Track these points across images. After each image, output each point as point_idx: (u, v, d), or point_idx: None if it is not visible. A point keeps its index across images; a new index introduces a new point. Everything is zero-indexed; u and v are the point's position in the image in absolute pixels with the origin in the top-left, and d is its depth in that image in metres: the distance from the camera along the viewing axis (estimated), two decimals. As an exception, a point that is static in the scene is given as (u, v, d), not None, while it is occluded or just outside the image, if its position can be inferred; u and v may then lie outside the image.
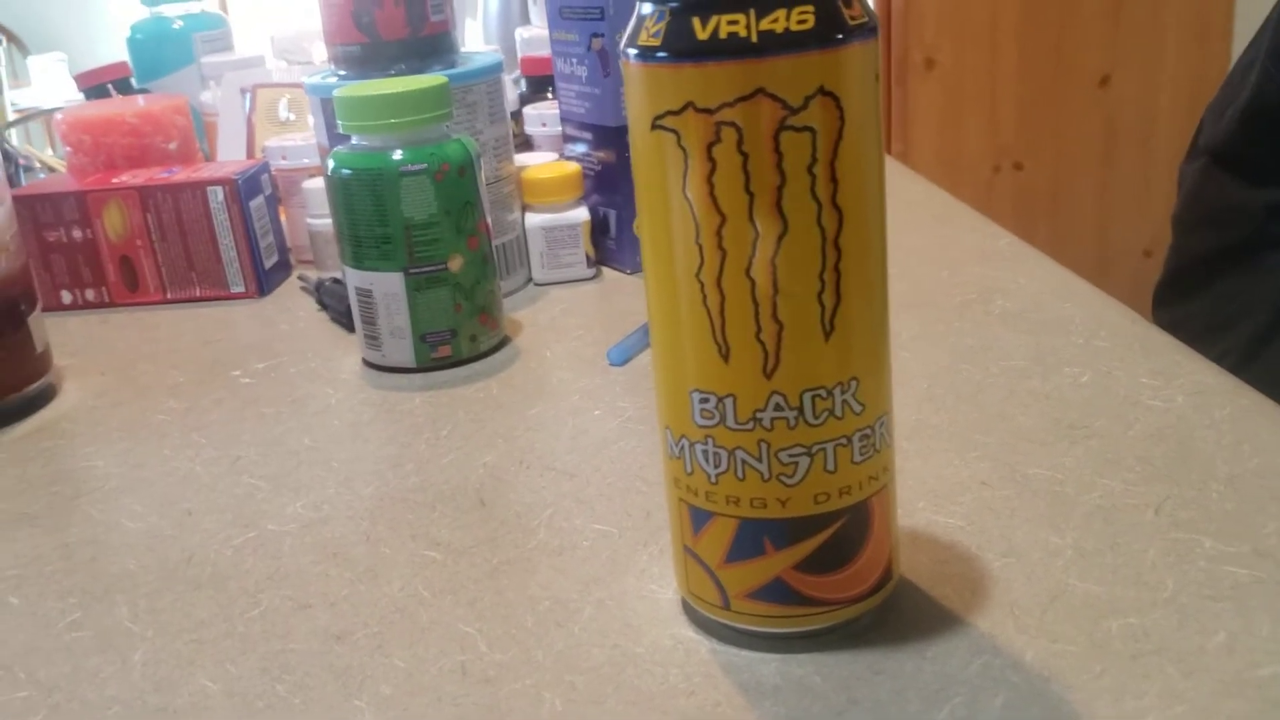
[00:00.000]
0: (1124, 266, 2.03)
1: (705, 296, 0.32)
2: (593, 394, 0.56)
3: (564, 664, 0.36)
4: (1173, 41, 2.05)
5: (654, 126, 0.31)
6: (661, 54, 0.30)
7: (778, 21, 0.29)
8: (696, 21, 0.29)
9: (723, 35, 0.29)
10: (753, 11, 0.29)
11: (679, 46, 0.30)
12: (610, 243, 0.74)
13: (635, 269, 0.74)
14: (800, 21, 0.29)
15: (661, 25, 0.30)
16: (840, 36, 0.30)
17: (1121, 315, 0.58)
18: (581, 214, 0.72)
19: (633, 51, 0.31)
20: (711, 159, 0.30)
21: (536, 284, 0.73)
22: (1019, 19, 2.04)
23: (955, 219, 0.78)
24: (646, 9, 0.31)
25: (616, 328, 0.64)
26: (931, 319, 0.60)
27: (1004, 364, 0.54)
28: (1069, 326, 0.57)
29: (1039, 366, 0.53)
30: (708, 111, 0.30)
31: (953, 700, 0.32)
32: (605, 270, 0.75)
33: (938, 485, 0.44)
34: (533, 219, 0.72)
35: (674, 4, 0.30)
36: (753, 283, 0.31)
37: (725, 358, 0.32)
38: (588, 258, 0.73)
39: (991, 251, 0.70)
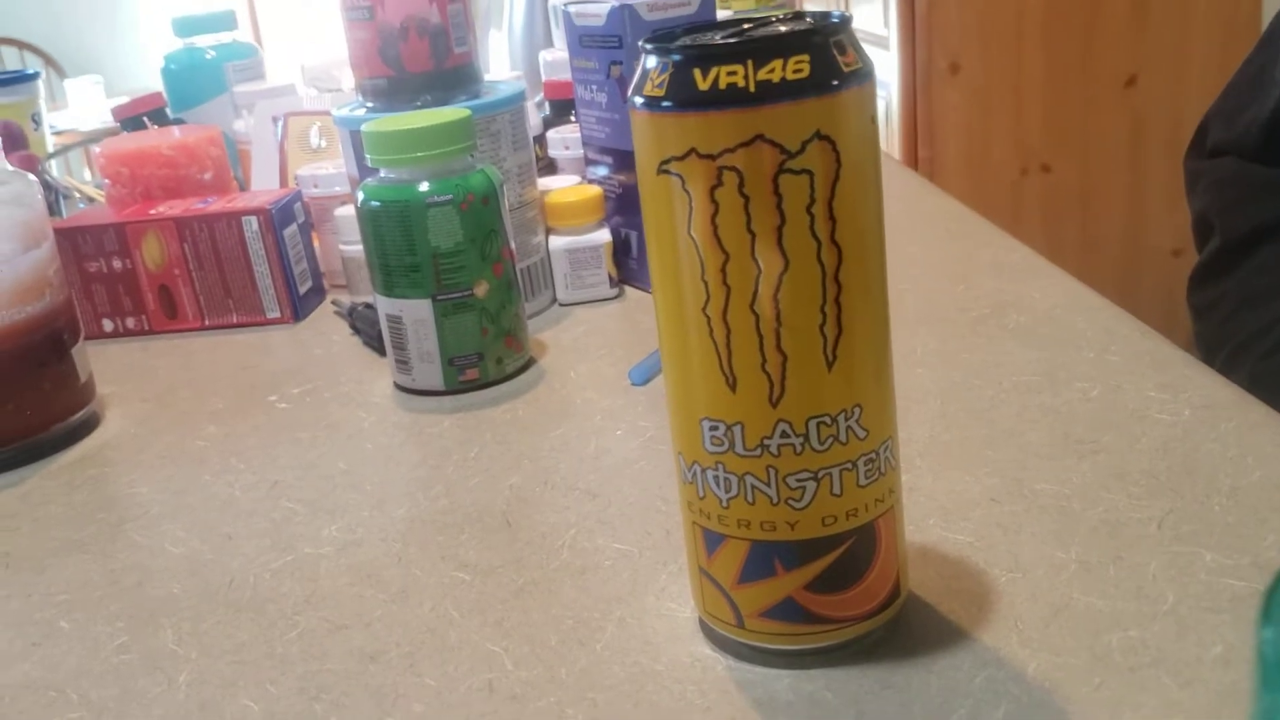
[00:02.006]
0: (1153, 267, 2.03)
1: (712, 330, 0.33)
2: (615, 414, 0.58)
3: (586, 681, 0.37)
4: (1200, 41, 2.04)
5: (660, 170, 0.33)
6: (666, 103, 0.32)
7: (774, 71, 0.31)
8: (698, 73, 0.31)
9: (722, 86, 0.31)
10: (750, 62, 0.31)
11: (682, 96, 0.31)
12: (632, 262, 0.76)
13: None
14: (796, 71, 0.31)
15: (665, 76, 0.32)
16: (835, 83, 0.31)
17: (1132, 328, 0.59)
18: (604, 235, 0.74)
19: (639, 100, 0.33)
20: (714, 201, 0.32)
21: (561, 304, 0.75)
22: (1044, 21, 2.04)
23: (972, 232, 0.80)
24: (651, 62, 0.32)
25: (638, 347, 0.66)
26: (946, 334, 0.62)
27: (1015, 379, 0.55)
28: (1081, 340, 0.59)
29: (1050, 382, 0.54)
30: (710, 157, 0.31)
31: (957, 712, 0.34)
32: (628, 289, 0.76)
33: (948, 501, 0.45)
34: (556, 241, 0.74)
35: (676, 57, 0.32)
36: (757, 316, 0.33)
37: (732, 388, 0.34)
38: (610, 278, 0.75)
39: (1006, 265, 0.71)
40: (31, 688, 0.41)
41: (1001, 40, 2.05)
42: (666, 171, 0.32)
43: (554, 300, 0.76)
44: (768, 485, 0.34)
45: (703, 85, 0.31)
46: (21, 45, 3.84)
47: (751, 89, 0.31)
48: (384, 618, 0.42)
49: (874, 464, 0.35)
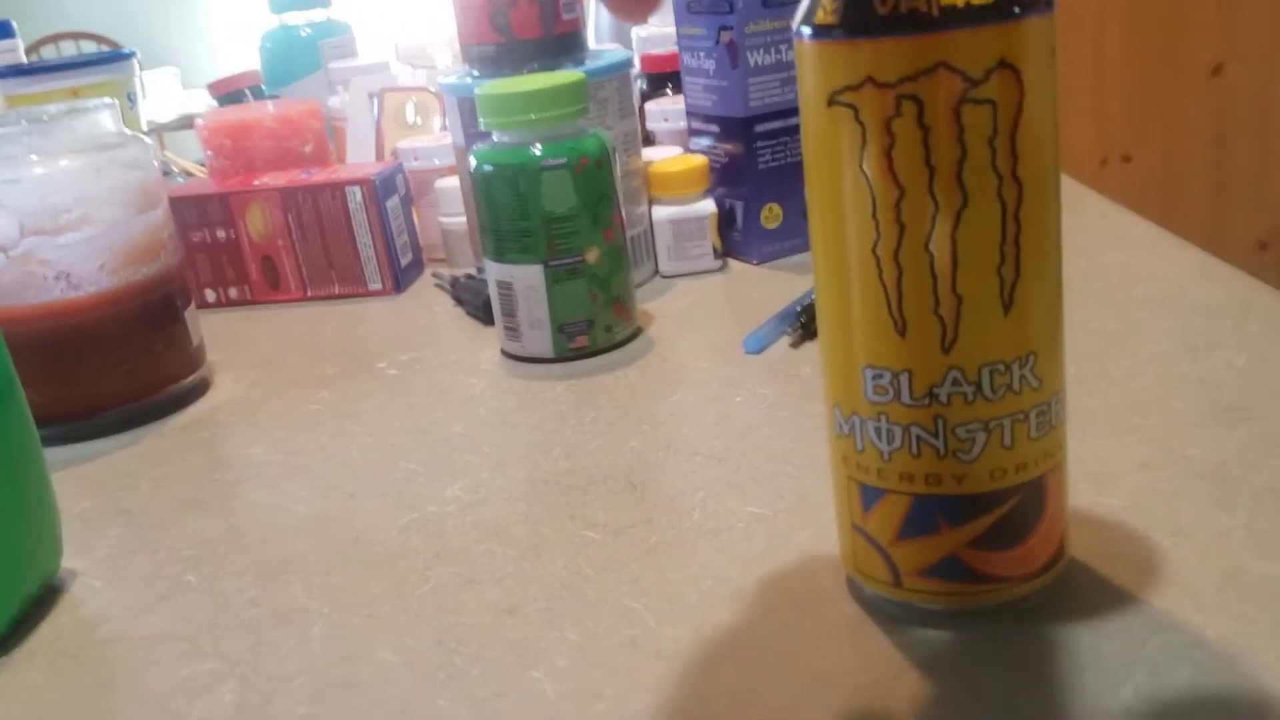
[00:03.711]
0: (1238, 261, 1.97)
1: (881, 271, 0.32)
2: (732, 381, 0.56)
3: (734, 640, 0.36)
4: (1292, 28, 1.98)
5: (831, 103, 0.31)
6: (839, 31, 0.30)
7: (959, -5, 0.29)
8: (877, -2, 0.30)
9: (904, 10, 0.29)
10: (934, -14, 0.29)
11: (859, 23, 0.30)
12: (736, 234, 0.75)
13: (762, 260, 0.74)
14: (981, -6, 0.29)
15: (839, 3, 0.30)
16: (1018, 10, 0.30)
17: (1272, 297, 0.57)
18: (708, 206, 0.73)
19: (807, 30, 0.31)
20: (890, 133, 0.30)
21: (663, 276, 0.74)
22: (1127, 6, 2.00)
23: (1085, 207, 0.77)
24: (824, -12, 0.31)
25: (747, 317, 0.64)
26: (1072, 305, 0.60)
27: (1152, 349, 0.53)
28: (1217, 310, 0.56)
29: (1188, 351, 0.52)
30: (887, 86, 0.30)
31: (1135, 676, 0.32)
32: (731, 262, 0.75)
33: (1097, 467, 0.43)
34: (660, 212, 0.73)
35: (854, -19, 0.30)
36: (931, 256, 0.31)
37: (901, 333, 0.32)
38: (714, 250, 0.73)
39: (1128, 238, 0.69)
40: (164, 639, 0.41)
41: (1083, 26, 2.01)
42: (838, 103, 0.31)
43: (656, 272, 0.75)
44: (935, 437, 0.33)
45: (882, 10, 0.30)
46: (97, 39, 3.92)
47: (935, 13, 0.29)
48: (516, 574, 0.41)
49: (1045, 416, 0.33)
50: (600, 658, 0.36)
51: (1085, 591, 0.36)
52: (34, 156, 0.57)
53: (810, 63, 0.32)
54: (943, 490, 0.33)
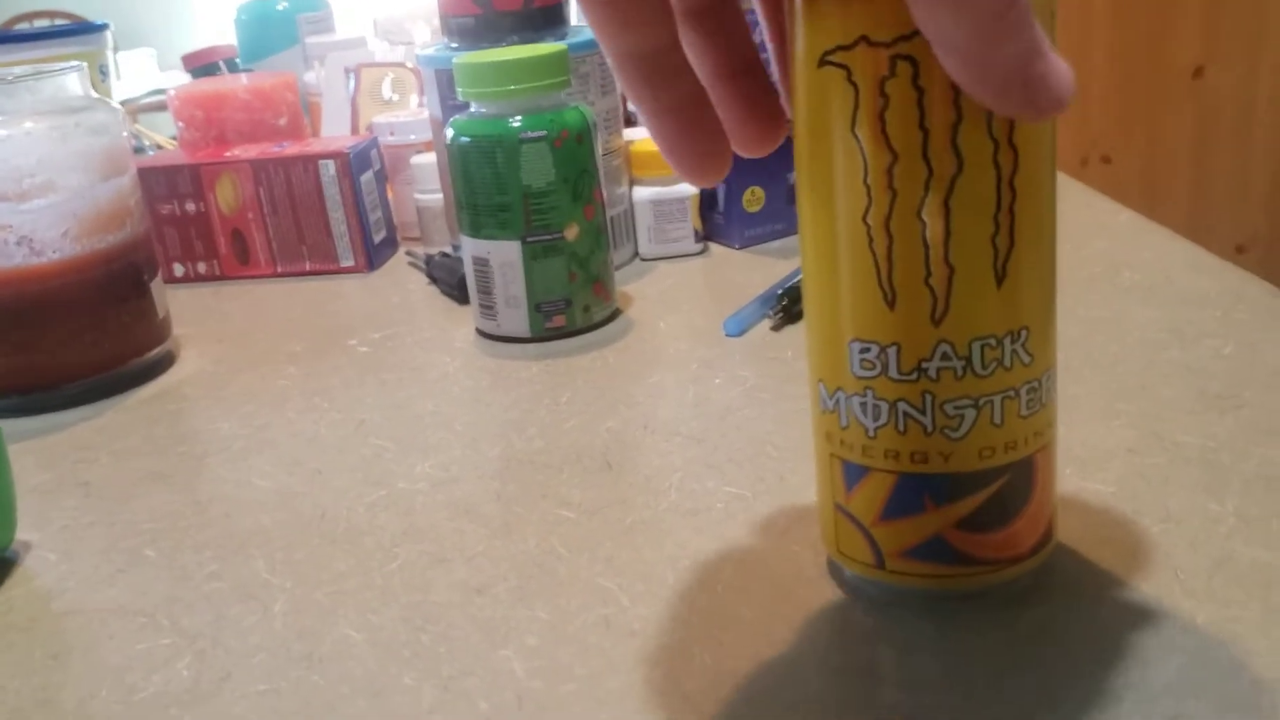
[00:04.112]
0: (1218, 262, 1.97)
1: (872, 240, 0.31)
2: (711, 363, 0.55)
3: (710, 620, 0.35)
4: (1275, 33, 1.99)
5: (822, 63, 0.30)
6: (832, -12, 0.29)
7: (959, -49, 0.28)
8: (873, -48, 0.29)
9: (900, -35, 0.28)
10: (933, -59, 0.28)
11: (853, -21, 0.29)
12: (718, 217, 0.73)
13: (743, 244, 0.73)
14: (982, -48, 0.28)
15: (832, -42, 0.29)
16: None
17: (1261, 289, 0.56)
18: (690, 188, 0.72)
19: (799, -12, 0.30)
20: (884, 94, 0.29)
21: (643, 259, 0.73)
22: (1110, 8, 2.00)
23: (1069, 195, 0.77)
24: (819, -58, 0.30)
25: (728, 301, 0.63)
26: (1058, 291, 0.59)
27: (1139, 335, 0.52)
28: (1204, 299, 0.56)
29: (1177, 338, 0.52)
30: (882, 45, 0.29)
31: (1124, 662, 0.31)
32: (712, 245, 0.74)
33: (1083, 452, 0.42)
34: (641, 192, 0.72)
35: (849, -65, 0.29)
36: (924, 224, 0.30)
37: (891, 304, 0.31)
38: (695, 232, 0.72)
39: (1113, 226, 0.68)
40: (120, 613, 0.39)
41: (1066, 27, 2.00)
42: (829, 63, 0.30)
43: (635, 254, 0.73)
44: (922, 413, 0.32)
45: (877, -35, 0.29)
46: (73, 19, 3.86)
47: (933, -31, 0.28)
48: (487, 552, 0.40)
49: (1036, 394, 0.32)
50: (571, 637, 0.35)
51: (1074, 576, 0.35)
52: (-4, 118, 0.55)
53: (801, 21, 0.30)
54: (929, 469, 0.32)
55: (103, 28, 1.08)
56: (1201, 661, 0.31)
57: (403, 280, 0.74)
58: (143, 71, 3.23)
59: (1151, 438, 0.43)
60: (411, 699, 0.33)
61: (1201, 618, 0.33)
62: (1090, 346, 0.52)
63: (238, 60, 1.02)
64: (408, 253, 0.77)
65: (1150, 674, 0.30)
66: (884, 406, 0.32)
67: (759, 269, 0.68)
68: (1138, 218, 0.70)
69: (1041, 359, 0.32)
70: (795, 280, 0.62)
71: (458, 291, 0.68)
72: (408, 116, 0.80)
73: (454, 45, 0.68)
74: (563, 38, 0.68)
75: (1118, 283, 0.59)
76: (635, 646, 0.34)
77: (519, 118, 0.57)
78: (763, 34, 0.33)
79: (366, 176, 0.75)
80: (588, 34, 0.69)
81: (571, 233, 0.59)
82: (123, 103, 1.85)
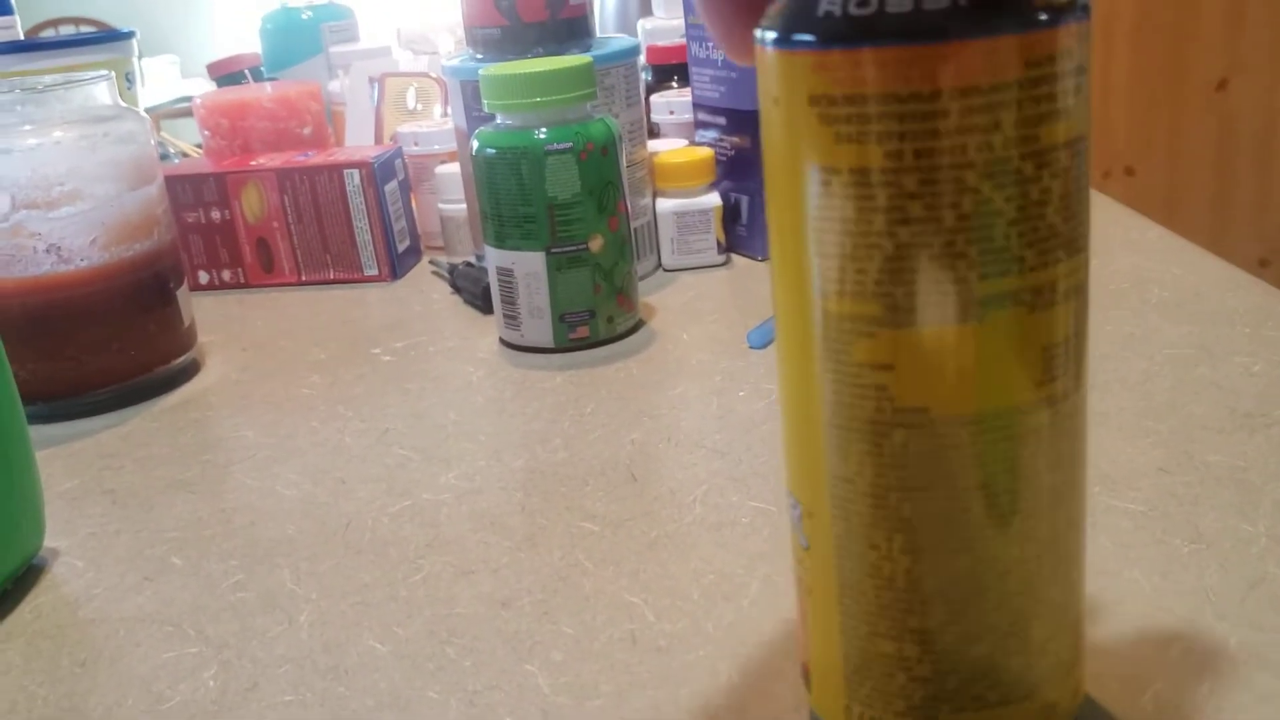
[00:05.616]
0: (1241, 276, 1.96)
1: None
2: (735, 375, 0.55)
3: (735, 637, 0.35)
4: (1298, 44, 1.98)
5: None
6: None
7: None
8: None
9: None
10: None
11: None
12: (741, 229, 0.73)
13: (766, 256, 0.73)
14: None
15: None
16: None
17: (1289, 305, 0.56)
18: (713, 199, 0.72)
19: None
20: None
21: (666, 270, 0.73)
22: (1134, 20, 1.99)
23: (1097, 210, 0.76)
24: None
25: (752, 312, 0.63)
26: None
27: (1168, 352, 0.52)
28: (1233, 317, 0.55)
29: (1206, 355, 0.51)
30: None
31: (1155, 685, 0.31)
32: (735, 257, 0.74)
33: (1112, 470, 0.42)
34: (664, 204, 0.72)
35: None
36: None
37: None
38: (719, 244, 0.72)
39: (1141, 242, 0.68)
40: (147, 621, 0.39)
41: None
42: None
43: (658, 265, 0.73)
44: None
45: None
46: (97, 25, 3.90)
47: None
48: (511, 564, 0.40)
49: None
50: (597, 653, 0.35)
51: (1101, 595, 0.35)
52: (27, 127, 0.55)
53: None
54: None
55: (129, 35, 1.08)
56: (1233, 686, 0.30)
57: (426, 289, 0.74)
58: (166, 78, 3.25)
59: (1182, 456, 0.43)
60: (438, 713, 0.33)
61: (1234, 641, 0.32)
62: (1120, 364, 0.51)
63: (262, 69, 1.02)
64: (431, 262, 0.77)
65: (1181, 696, 0.30)
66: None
67: (782, 281, 0.68)
68: (1166, 234, 0.69)
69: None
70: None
71: (481, 301, 0.68)
72: (432, 127, 0.80)
73: (479, 56, 0.68)
74: (588, 49, 0.68)
75: (1147, 299, 0.59)
76: (661, 663, 0.34)
77: (544, 130, 0.57)
78: None
79: (391, 186, 0.75)
80: (614, 45, 0.69)
81: (596, 244, 0.59)
82: (148, 110, 1.86)
